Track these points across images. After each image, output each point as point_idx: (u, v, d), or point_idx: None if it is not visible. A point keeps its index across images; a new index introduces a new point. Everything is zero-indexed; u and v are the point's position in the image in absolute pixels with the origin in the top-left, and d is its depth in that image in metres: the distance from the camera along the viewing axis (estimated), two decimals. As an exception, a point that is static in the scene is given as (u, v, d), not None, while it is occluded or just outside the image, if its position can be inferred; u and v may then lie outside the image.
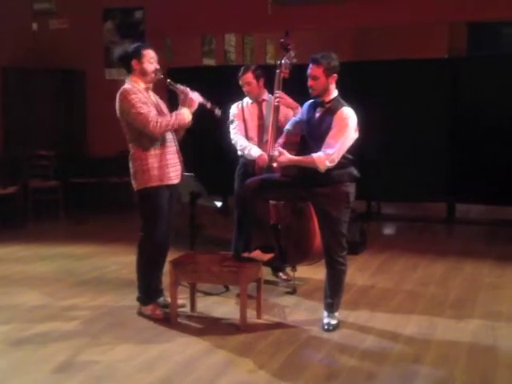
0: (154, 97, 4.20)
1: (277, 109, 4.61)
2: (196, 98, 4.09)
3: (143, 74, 4.08)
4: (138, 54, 4.06)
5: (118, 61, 4.22)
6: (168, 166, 4.10)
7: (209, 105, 4.14)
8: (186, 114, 4.06)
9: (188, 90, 4.13)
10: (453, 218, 7.79)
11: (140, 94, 4.02)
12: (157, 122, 3.95)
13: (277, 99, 4.59)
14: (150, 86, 4.18)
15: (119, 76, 8.60)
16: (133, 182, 4.16)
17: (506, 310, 4.37)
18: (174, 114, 4.06)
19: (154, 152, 4.06)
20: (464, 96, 7.19)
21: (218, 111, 4.15)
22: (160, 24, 8.43)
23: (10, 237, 6.84)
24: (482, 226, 7.52)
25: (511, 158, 6.96)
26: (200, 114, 4.18)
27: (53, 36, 8.86)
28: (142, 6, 8.65)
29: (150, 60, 4.07)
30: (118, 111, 4.07)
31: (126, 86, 4.07)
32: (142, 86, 4.09)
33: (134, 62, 4.07)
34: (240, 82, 4.81)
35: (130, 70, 4.11)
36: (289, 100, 4.66)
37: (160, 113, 4.11)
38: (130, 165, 4.15)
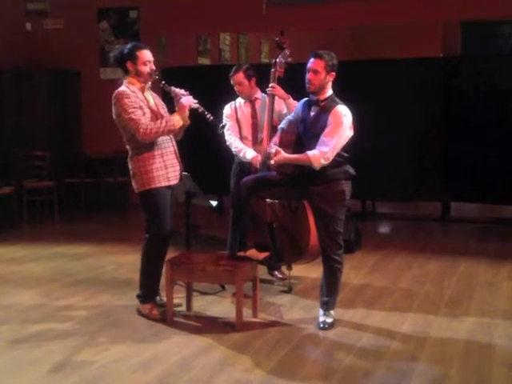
0: (152, 97, 4.17)
1: (272, 98, 4.60)
2: (187, 102, 4.04)
3: (138, 75, 4.07)
4: (132, 56, 4.04)
5: (113, 62, 4.19)
6: (167, 166, 4.10)
7: (201, 109, 4.10)
8: (175, 120, 4.03)
9: (182, 93, 4.09)
10: (448, 217, 7.80)
11: (134, 98, 3.99)
12: (146, 128, 3.93)
13: (270, 89, 4.58)
14: (147, 85, 4.16)
15: (114, 75, 8.62)
16: (133, 184, 4.17)
17: (501, 307, 4.38)
18: (164, 120, 4.03)
19: (151, 153, 4.05)
20: (458, 95, 7.21)
21: (210, 116, 4.10)
22: (155, 23, 8.43)
23: (5, 237, 6.83)
24: (477, 225, 7.53)
25: (506, 157, 6.98)
26: (195, 114, 4.16)
27: (47, 36, 8.85)
28: (136, 6, 8.65)
29: (145, 62, 4.04)
30: (113, 114, 4.07)
31: (121, 88, 4.05)
32: (137, 86, 4.08)
33: (128, 64, 4.06)
34: (231, 82, 4.80)
35: (125, 72, 4.10)
36: (281, 92, 4.64)
37: (157, 115, 4.09)
38: (129, 166, 4.15)
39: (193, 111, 4.11)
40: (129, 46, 4.12)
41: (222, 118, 4.88)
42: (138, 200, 4.22)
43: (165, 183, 4.10)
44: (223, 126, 4.18)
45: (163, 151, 4.10)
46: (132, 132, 4.00)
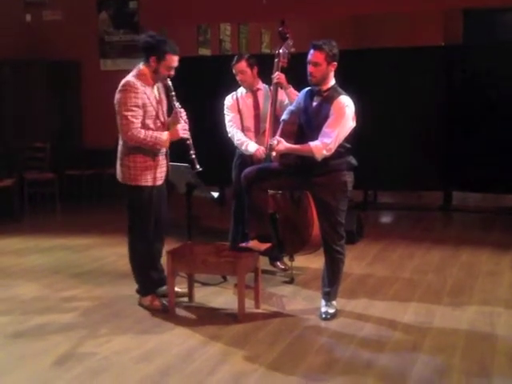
0: (158, 93, 4.09)
1: (276, 88, 4.59)
2: (182, 132, 4.01)
3: (155, 73, 3.99)
4: (159, 55, 3.93)
5: (141, 46, 4.08)
6: (156, 167, 4.07)
7: (189, 141, 4.06)
8: (163, 141, 4.00)
9: (182, 115, 4.06)
10: (449, 206, 7.80)
11: (141, 94, 3.91)
12: (134, 135, 3.89)
13: (276, 78, 4.56)
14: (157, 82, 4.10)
15: (115, 67, 8.60)
16: (118, 173, 4.11)
17: (503, 297, 4.38)
18: (154, 136, 3.95)
19: (145, 151, 4.00)
20: (460, 84, 7.18)
21: (193, 153, 4.05)
22: (155, 14, 8.38)
23: (6, 229, 6.83)
24: (479, 214, 7.52)
25: (508, 146, 6.96)
26: (195, 106, 4.14)
27: (46, 27, 8.82)
28: (136, -4, 8.60)
29: (169, 68, 3.97)
30: (115, 99, 3.99)
31: (131, 79, 3.95)
32: (147, 81, 3.99)
33: (152, 59, 3.95)
34: (234, 71, 4.77)
35: (146, 60, 3.99)
36: (285, 81, 4.61)
37: (158, 114, 4.04)
38: (118, 154, 4.09)
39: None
40: (164, 42, 3.96)
41: (218, 115, 4.85)
42: (121, 189, 4.15)
43: (151, 183, 4.07)
44: (199, 172, 4.09)
45: (156, 151, 4.06)
46: (120, 129, 3.95)
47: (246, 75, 4.73)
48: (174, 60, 3.97)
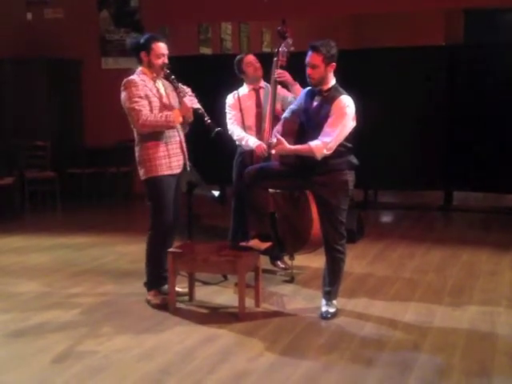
0: (163, 87, 4.20)
1: (274, 87, 4.60)
2: (190, 103, 4.09)
3: (150, 67, 4.12)
4: (147, 47, 4.08)
5: (128, 50, 4.22)
6: (170, 156, 4.15)
7: (201, 110, 4.13)
8: (175, 117, 4.07)
9: (187, 91, 4.14)
10: (450, 206, 7.80)
11: (142, 87, 4.04)
12: (146, 120, 4.00)
13: (279, 75, 4.58)
14: (159, 76, 4.19)
15: (116, 65, 8.60)
16: (139, 171, 4.23)
17: (503, 296, 4.38)
18: (164, 114, 4.06)
19: (156, 142, 4.11)
20: (461, 83, 7.18)
21: (207, 119, 4.12)
22: (156, 12, 8.39)
23: (7, 227, 6.84)
24: (480, 214, 7.52)
25: (508, 146, 6.96)
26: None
27: (48, 25, 8.81)
28: (137, -5, 8.60)
29: (159, 55, 4.09)
30: (121, 101, 4.12)
31: (131, 76, 4.11)
32: (148, 76, 4.12)
33: (142, 54, 4.11)
34: (244, 62, 4.75)
35: (139, 61, 4.16)
36: (288, 76, 4.64)
37: (165, 105, 4.14)
38: (136, 153, 4.21)
39: (193, 111, 4.15)
40: (146, 36, 4.17)
41: (219, 114, 4.86)
42: (143, 188, 4.27)
43: (167, 172, 4.15)
44: (218, 132, 4.14)
45: (168, 140, 4.15)
46: (132, 122, 4.07)
47: (257, 67, 4.77)
48: (161, 47, 4.11)
